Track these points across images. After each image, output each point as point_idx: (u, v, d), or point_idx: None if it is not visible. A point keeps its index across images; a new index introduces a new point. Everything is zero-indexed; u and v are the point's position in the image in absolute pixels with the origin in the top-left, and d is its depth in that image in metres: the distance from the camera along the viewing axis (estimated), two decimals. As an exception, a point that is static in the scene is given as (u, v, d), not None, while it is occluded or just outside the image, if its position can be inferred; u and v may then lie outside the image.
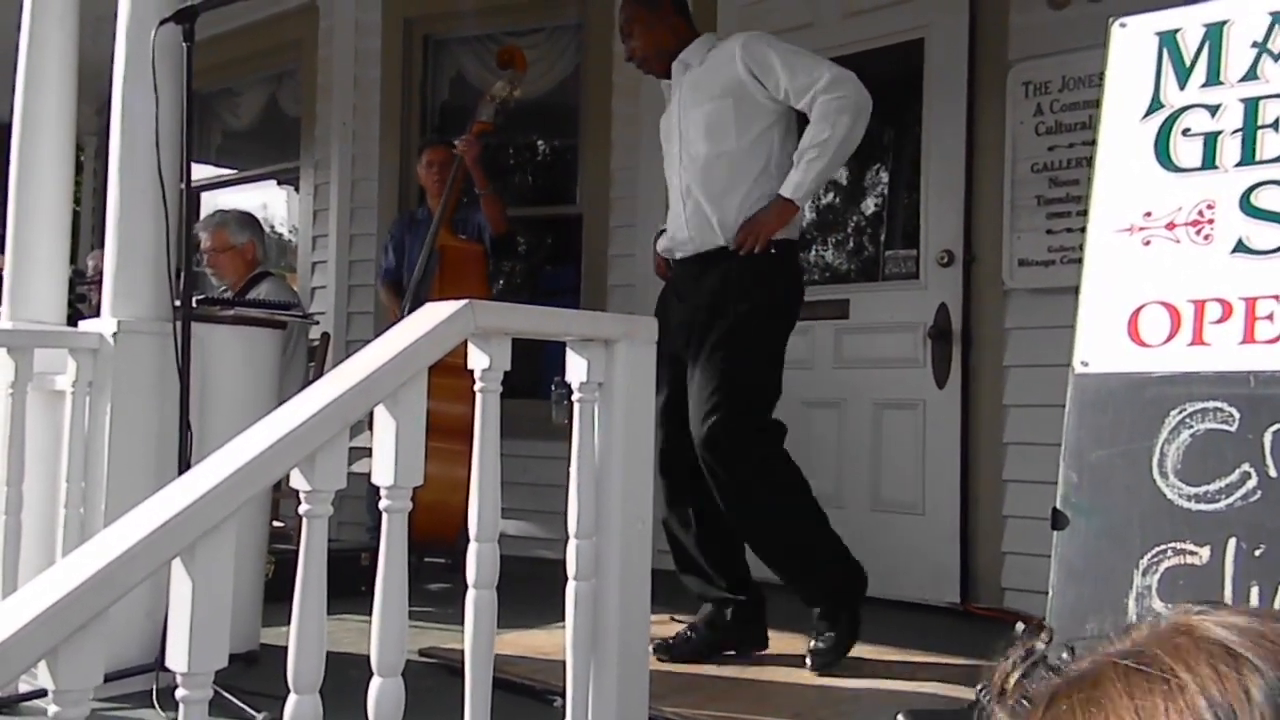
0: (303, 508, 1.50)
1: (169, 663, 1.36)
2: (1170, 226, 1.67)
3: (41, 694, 1.29)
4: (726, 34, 3.13)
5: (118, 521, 1.32)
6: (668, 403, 2.85)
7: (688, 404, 2.86)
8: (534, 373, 5.15)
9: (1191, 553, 1.53)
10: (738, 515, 2.83)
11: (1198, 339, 1.61)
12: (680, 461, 2.87)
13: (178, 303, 2.62)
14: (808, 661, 2.78)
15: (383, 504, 1.62)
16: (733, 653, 2.93)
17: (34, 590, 1.22)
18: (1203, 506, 1.54)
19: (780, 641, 2.96)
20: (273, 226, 7.50)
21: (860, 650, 2.97)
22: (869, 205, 4.58)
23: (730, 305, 2.85)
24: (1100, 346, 1.70)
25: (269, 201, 7.11)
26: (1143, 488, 1.59)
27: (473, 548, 1.75)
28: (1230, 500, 1.51)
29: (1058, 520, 1.64)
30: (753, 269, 2.86)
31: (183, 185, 2.68)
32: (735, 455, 2.77)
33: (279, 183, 6.55)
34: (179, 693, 1.34)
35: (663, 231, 3.18)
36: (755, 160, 2.92)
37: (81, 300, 5.04)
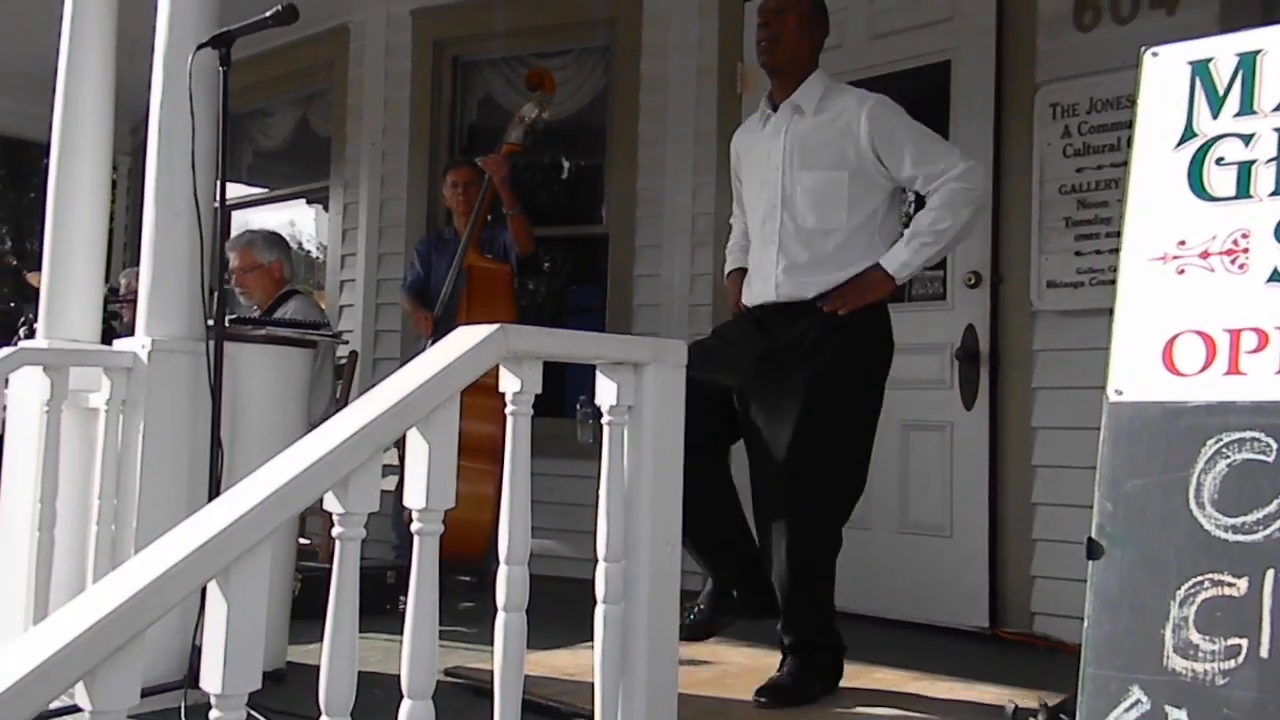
0: (336, 530, 1.51)
1: (203, 684, 1.37)
2: (1204, 255, 1.66)
3: (72, 710, 1.31)
4: (834, 79, 2.93)
5: (155, 543, 1.33)
6: (713, 393, 2.79)
7: (731, 404, 2.82)
8: (559, 392, 5.17)
9: (1229, 584, 1.52)
10: (768, 544, 2.77)
11: (1234, 368, 1.60)
12: (710, 450, 2.81)
13: (211, 322, 2.66)
14: (755, 701, 2.69)
15: (414, 526, 1.63)
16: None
17: (73, 610, 1.23)
18: (1240, 537, 1.53)
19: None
20: (301, 244, 7.59)
21: (888, 675, 2.95)
22: (895, 226, 4.58)
23: (827, 359, 2.74)
24: (1135, 375, 1.69)
25: (297, 219, 7.19)
26: (1179, 518, 1.58)
27: (503, 570, 1.76)
28: (1269, 531, 1.50)
29: (1093, 550, 1.63)
30: (851, 319, 2.75)
31: (217, 206, 2.72)
32: (807, 522, 2.72)
33: (308, 201, 6.63)
34: (213, 714, 1.35)
35: (740, 271, 3.06)
36: (861, 240, 2.79)
37: (114, 318, 5.10)
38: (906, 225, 2.87)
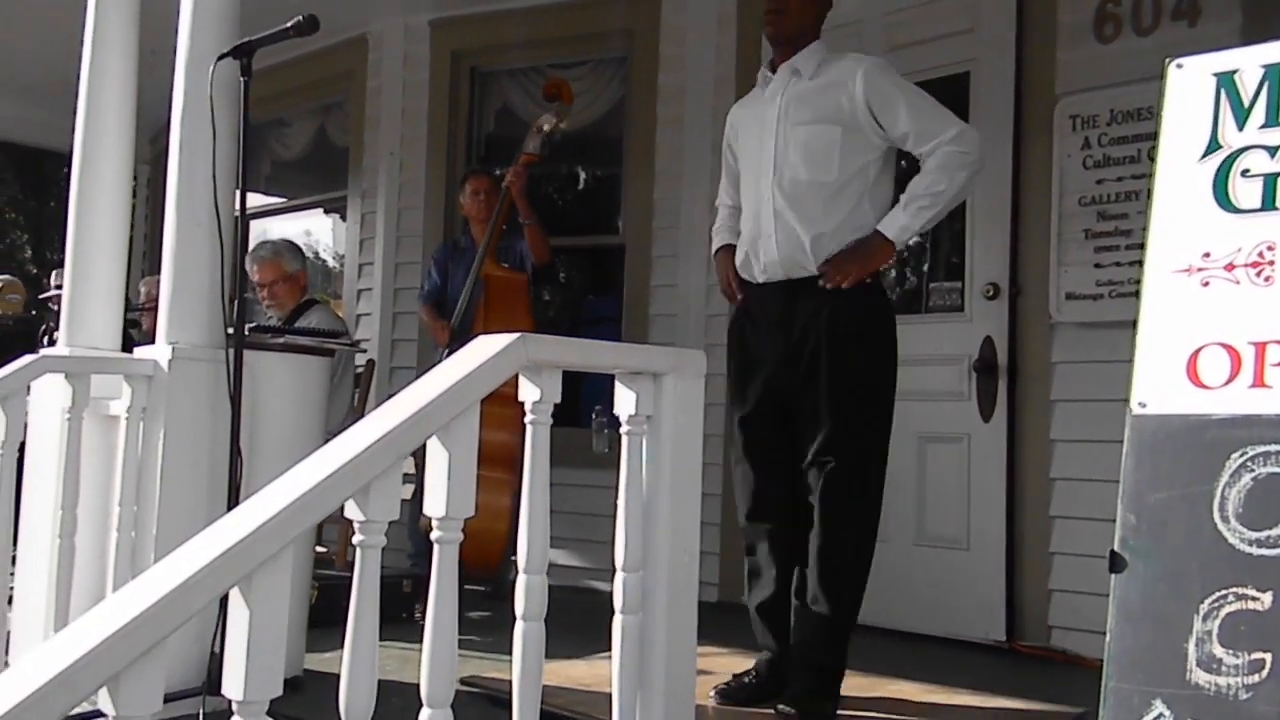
0: (357, 538, 1.52)
1: (225, 690, 1.37)
2: (1230, 268, 1.65)
3: (96, 715, 1.31)
4: (832, 50, 2.94)
5: (178, 549, 1.34)
6: (763, 445, 2.84)
7: (785, 446, 2.83)
8: (574, 401, 5.17)
9: (1254, 598, 1.51)
10: (822, 547, 2.75)
11: (1259, 381, 1.59)
12: (776, 505, 2.84)
13: (231, 330, 2.67)
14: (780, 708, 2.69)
15: (434, 535, 1.63)
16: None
17: (97, 616, 1.23)
18: (1265, 551, 1.51)
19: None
20: (317, 254, 7.62)
21: (904, 688, 2.94)
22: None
23: (848, 353, 2.75)
24: (1158, 387, 1.68)
25: (313, 229, 7.23)
26: (1203, 531, 1.57)
27: (522, 579, 1.76)
28: (1293, 546, 1.49)
29: (1116, 563, 1.62)
30: (857, 303, 2.76)
31: (237, 215, 2.73)
32: (846, 510, 2.74)
33: (326, 211, 6.66)
34: (234, 720, 1.36)
35: (729, 246, 3.05)
36: (852, 193, 2.79)
37: (133, 325, 5.14)
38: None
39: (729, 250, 3.04)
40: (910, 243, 2.89)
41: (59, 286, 3.89)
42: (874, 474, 2.77)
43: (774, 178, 2.84)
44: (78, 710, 2.20)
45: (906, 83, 2.85)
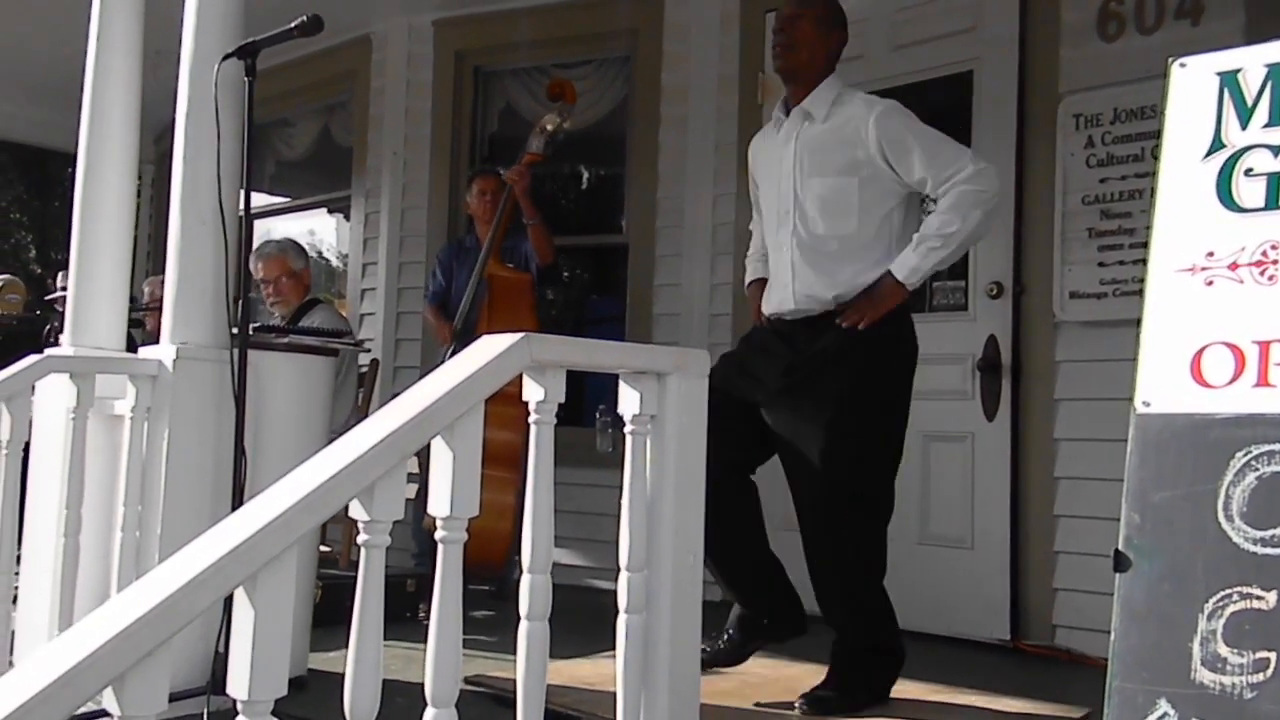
0: (361, 538, 1.52)
1: (230, 690, 1.37)
2: (1233, 267, 1.65)
3: (101, 715, 1.31)
4: (850, 86, 2.90)
5: (183, 549, 1.34)
6: (744, 411, 2.80)
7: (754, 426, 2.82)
8: (577, 401, 5.17)
9: (1258, 597, 1.51)
10: (816, 555, 2.77)
11: (1263, 380, 1.59)
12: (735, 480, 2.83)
13: (235, 330, 2.67)
14: (798, 706, 2.68)
15: (439, 535, 1.63)
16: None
17: (103, 616, 1.24)
18: (1269, 550, 1.51)
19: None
20: (321, 253, 7.63)
21: (907, 687, 2.93)
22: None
23: (853, 368, 2.73)
24: (1162, 387, 1.68)
25: (316, 228, 7.24)
26: (1207, 531, 1.57)
27: (526, 578, 1.76)
28: (1298, 545, 1.49)
29: (1120, 562, 1.62)
30: (874, 331, 2.72)
31: (242, 215, 2.74)
32: (841, 534, 2.74)
33: (330, 211, 6.67)
34: (239, 720, 1.36)
35: (760, 281, 3.05)
36: (877, 245, 2.76)
37: (136, 325, 5.14)
38: None
39: (760, 285, 3.05)
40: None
41: (64, 287, 3.90)
42: (880, 503, 2.78)
43: (792, 230, 2.83)
44: (82, 710, 2.21)
45: (919, 125, 2.78)
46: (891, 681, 2.80)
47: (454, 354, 1.76)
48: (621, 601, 1.90)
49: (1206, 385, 1.65)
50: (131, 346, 3.27)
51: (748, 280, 3.19)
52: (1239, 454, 1.58)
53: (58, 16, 4.80)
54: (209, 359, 2.80)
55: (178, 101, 2.93)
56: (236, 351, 2.63)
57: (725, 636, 2.89)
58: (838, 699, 2.69)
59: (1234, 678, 1.52)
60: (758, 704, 2.75)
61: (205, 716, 2.49)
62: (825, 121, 2.82)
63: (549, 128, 4.28)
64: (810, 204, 2.80)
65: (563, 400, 1.82)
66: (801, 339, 2.83)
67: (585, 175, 6.54)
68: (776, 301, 2.90)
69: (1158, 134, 1.86)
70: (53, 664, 1.15)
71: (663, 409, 1.96)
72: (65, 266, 3.72)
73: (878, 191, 2.76)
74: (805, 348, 2.81)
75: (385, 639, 1.53)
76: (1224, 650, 1.53)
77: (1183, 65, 1.81)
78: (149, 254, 7.10)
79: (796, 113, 2.87)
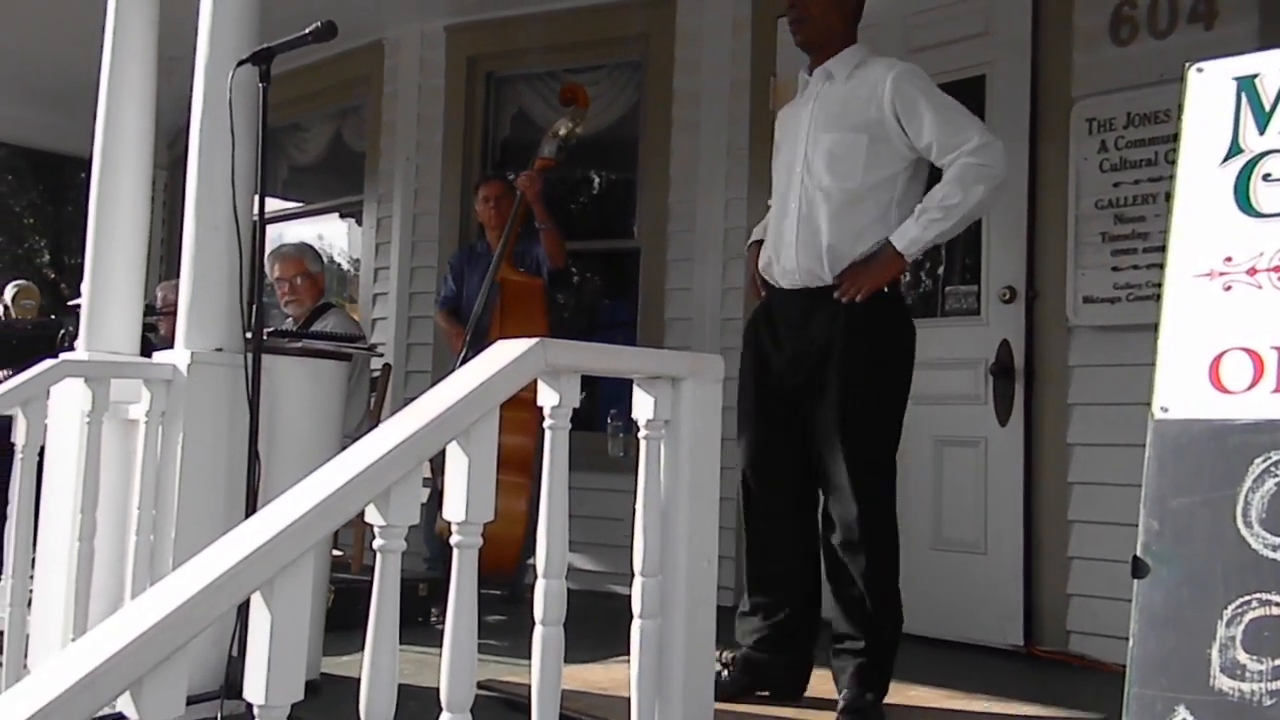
0: (377, 542, 1.52)
1: (246, 694, 1.38)
2: (1252, 272, 1.65)
3: (117, 719, 1.32)
4: (871, 52, 2.91)
5: (200, 554, 1.35)
6: (767, 447, 2.85)
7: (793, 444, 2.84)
8: (589, 405, 5.18)
9: (1277, 604, 1.50)
10: (870, 540, 2.73)
11: (1282, 386, 1.59)
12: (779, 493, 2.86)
13: (249, 334, 2.68)
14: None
15: (454, 539, 1.63)
16: (767, 694, 2.83)
17: (120, 621, 1.24)
18: (1289, 557, 1.51)
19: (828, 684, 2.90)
20: (333, 258, 7.65)
21: (922, 693, 2.93)
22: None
23: (857, 365, 2.73)
24: (1181, 392, 1.68)
25: (326, 233, 7.26)
26: (1226, 537, 1.56)
27: (541, 584, 1.76)
28: (1318, 552, 1.48)
29: (1138, 568, 1.61)
30: (873, 316, 2.74)
31: (256, 220, 2.75)
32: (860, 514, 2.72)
33: (342, 215, 6.69)
34: (255, 724, 1.36)
35: (759, 243, 3.03)
36: (877, 203, 2.76)
37: (151, 330, 5.16)
38: None
39: (759, 247, 3.03)
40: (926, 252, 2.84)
41: (83, 294, 3.91)
42: (883, 488, 2.76)
43: (800, 186, 2.84)
44: (100, 714, 2.21)
45: (936, 90, 2.79)
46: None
47: (466, 359, 1.76)
48: (636, 606, 1.90)
49: (1225, 391, 1.64)
50: (146, 351, 3.28)
51: (749, 242, 3.19)
52: (1258, 460, 1.57)
53: (72, 23, 4.84)
54: (223, 363, 2.81)
55: (192, 107, 2.95)
56: (250, 356, 2.64)
57: (728, 673, 2.80)
58: (874, 703, 2.68)
59: (1253, 684, 1.51)
60: (771, 708, 2.75)
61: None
62: (847, 81, 2.84)
63: (561, 133, 4.29)
64: (818, 158, 2.81)
65: (577, 405, 1.82)
66: (794, 326, 2.83)
67: (597, 180, 6.55)
68: (774, 258, 2.89)
69: (1171, 138, 1.86)
70: (71, 668, 1.16)
71: (677, 414, 1.96)
72: (79, 272, 3.74)
73: (886, 152, 2.77)
74: (798, 340, 2.81)
75: (399, 643, 1.53)
76: (1243, 657, 1.52)
77: (1200, 70, 1.81)
78: (163, 259, 7.13)
79: (819, 73, 2.89)
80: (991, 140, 2.72)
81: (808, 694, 2.86)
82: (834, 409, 2.72)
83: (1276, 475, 1.56)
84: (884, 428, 2.79)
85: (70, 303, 6.16)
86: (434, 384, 1.70)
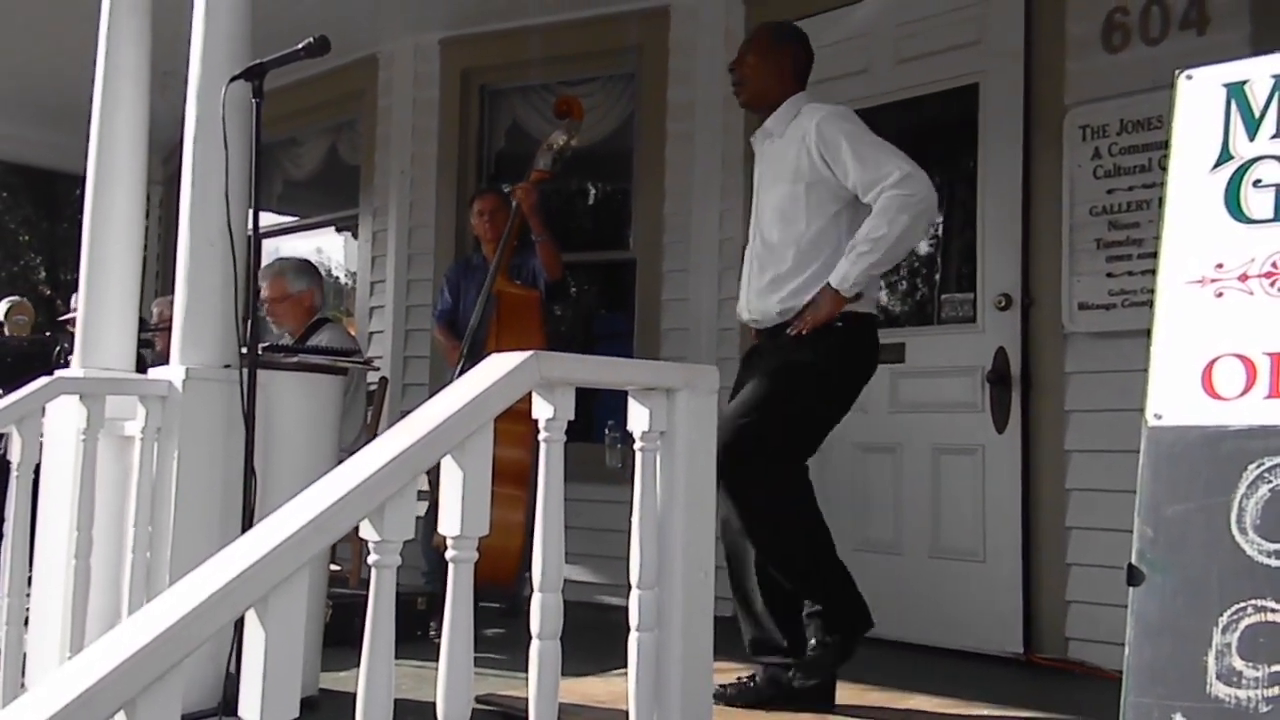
0: (372, 558, 1.52)
1: (241, 712, 1.37)
2: (1243, 278, 1.65)
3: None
4: (811, 99, 3.02)
5: (193, 572, 1.34)
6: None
7: None
8: (586, 417, 5.16)
9: (1273, 610, 1.50)
10: (747, 527, 2.80)
11: (1275, 392, 1.59)
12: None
13: (244, 350, 2.68)
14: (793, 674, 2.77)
15: (449, 554, 1.63)
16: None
17: (114, 639, 1.24)
18: (1283, 563, 1.51)
19: (844, 692, 2.90)
20: (329, 271, 7.65)
21: (920, 701, 2.92)
22: (923, 248, 4.57)
23: (797, 355, 2.84)
24: (1174, 399, 1.68)
25: (324, 246, 7.26)
26: (1221, 543, 1.56)
27: (537, 598, 1.75)
28: (1313, 558, 1.48)
29: (1133, 576, 1.61)
30: (816, 336, 2.82)
31: (249, 235, 2.75)
32: (749, 469, 2.75)
33: (338, 229, 6.69)
34: (251, 742, 1.36)
35: None
36: (824, 246, 2.86)
37: (145, 346, 5.15)
38: None
39: None
40: (863, 289, 2.88)
41: (76, 309, 3.90)
42: (758, 477, 2.78)
43: (755, 241, 3.01)
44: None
45: (858, 130, 2.87)
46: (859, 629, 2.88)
47: (463, 372, 1.76)
48: (633, 619, 1.90)
49: (1218, 397, 1.64)
50: (141, 367, 3.28)
51: None
52: (1252, 466, 1.57)
53: (65, 39, 4.84)
54: (218, 379, 2.81)
55: (186, 122, 2.95)
56: (246, 371, 2.63)
57: (752, 682, 2.82)
58: (830, 653, 2.76)
59: (1249, 691, 1.51)
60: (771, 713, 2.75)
61: (216, 737, 2.49)
62: (783, 136, 2.97)
63: (556, 145, 4.29)
64: (766, 213, 2.97)
65: (572, 418, 1.82)
66: (763, 350, 2.99)
67: (592, 191, 6.55)
68: (747, 318, 3.06)
69: (1164, 144, 1.86)
70: (66, 688, 1.15)
71: (672, 425, 1.95)
72: (74, 288, 3.74)
73: (824, 195, 2.87)
74: (764, 359, 2.95)
75: (396, 658, 1.52)
76: (1239, 664, 1.52)
77: (1189, 77, 1.81)
78: (158, 274, 7.13)
79: (759, 133, 3.05)
80: (913, 171, 2.78)
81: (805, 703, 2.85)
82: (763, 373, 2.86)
83: (1270, 481, 1.56)
84: (773, 415, 2.81)
85: (61, 318, 6.14)
86: (431, 397, 1.70)
